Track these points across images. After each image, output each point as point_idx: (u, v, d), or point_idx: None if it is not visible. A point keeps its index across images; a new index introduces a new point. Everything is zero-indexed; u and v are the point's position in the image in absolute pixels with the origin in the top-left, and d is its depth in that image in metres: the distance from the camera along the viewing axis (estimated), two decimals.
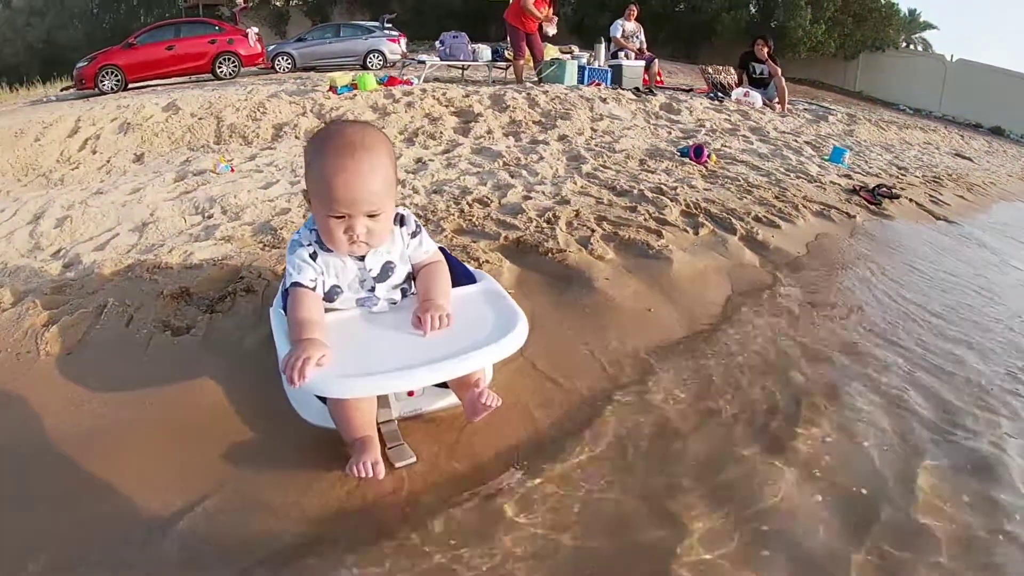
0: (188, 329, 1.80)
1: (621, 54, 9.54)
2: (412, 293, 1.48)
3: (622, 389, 1.64)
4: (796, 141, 6.18)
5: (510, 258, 2.34)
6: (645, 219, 2.94)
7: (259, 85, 7.25)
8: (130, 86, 12.54)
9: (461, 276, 1.59)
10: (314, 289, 1.35)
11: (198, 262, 2.22)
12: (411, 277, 1.48)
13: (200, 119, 5.09)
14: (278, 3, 31.28)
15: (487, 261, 2.25)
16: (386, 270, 1.42)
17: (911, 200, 4.40)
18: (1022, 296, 3.01)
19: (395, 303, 1.46)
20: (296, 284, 1.33)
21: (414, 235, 1.45)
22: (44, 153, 4.55)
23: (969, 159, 8.18)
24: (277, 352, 1.32)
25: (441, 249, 1.54)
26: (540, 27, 8.47)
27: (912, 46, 22.75)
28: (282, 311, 1.41)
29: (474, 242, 2.47)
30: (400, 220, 1.43)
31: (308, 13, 29.09)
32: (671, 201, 3.26)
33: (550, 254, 2.39)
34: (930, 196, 4.76)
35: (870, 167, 5.50)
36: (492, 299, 1.49)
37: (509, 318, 1.38)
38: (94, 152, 4.63)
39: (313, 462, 1.34)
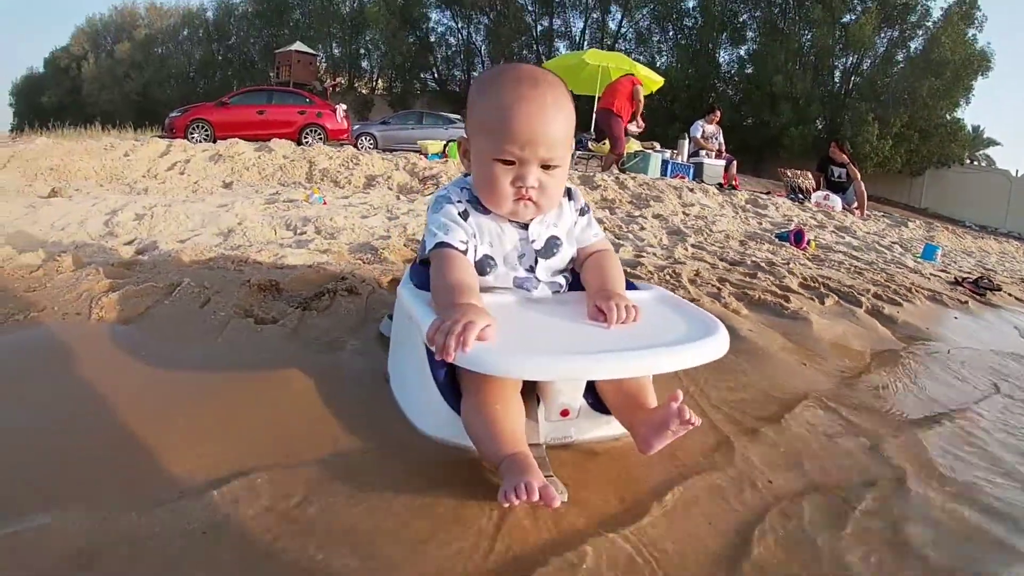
0: (275, 320, 1.56)
1: (702, 153, 9.64)
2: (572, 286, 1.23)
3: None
4: (884, 241, 6.06)
5: None
6: (768, 285, 2.68)
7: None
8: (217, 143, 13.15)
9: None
10: (466, 253, 1.09)
11: (290, 263, 2.03)
12: (573, 264, 1.23)
13: (292, 160, 5.14)
14: (363, 91, 33.33)
15: None
16: (551, 246, 1.18)
17: (1010, 295, 4.13)
18: None
19: (559, 291, 1.20)
20: (444, 244, 1.08)
21: (582, 212, 1.22)
22: (132, 167, 4.59)
23: None
24: (420, 325, 1.00)
25: None
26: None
27: (976, 162, 22.46)
28: (413, 287, 1.16)
29: None
30: (568, 193, 1.21)
31: (391, 103, 30.77)
32: (788, 273, 3.02)
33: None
34: None
35: (960, 267, 5.30)
36: (675, 305, 1.20)
37: (704, 322, 1.09)
38: (182, 173, 4.68)
39: (431, 484, 0.99)
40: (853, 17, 22.49)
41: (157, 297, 1.62)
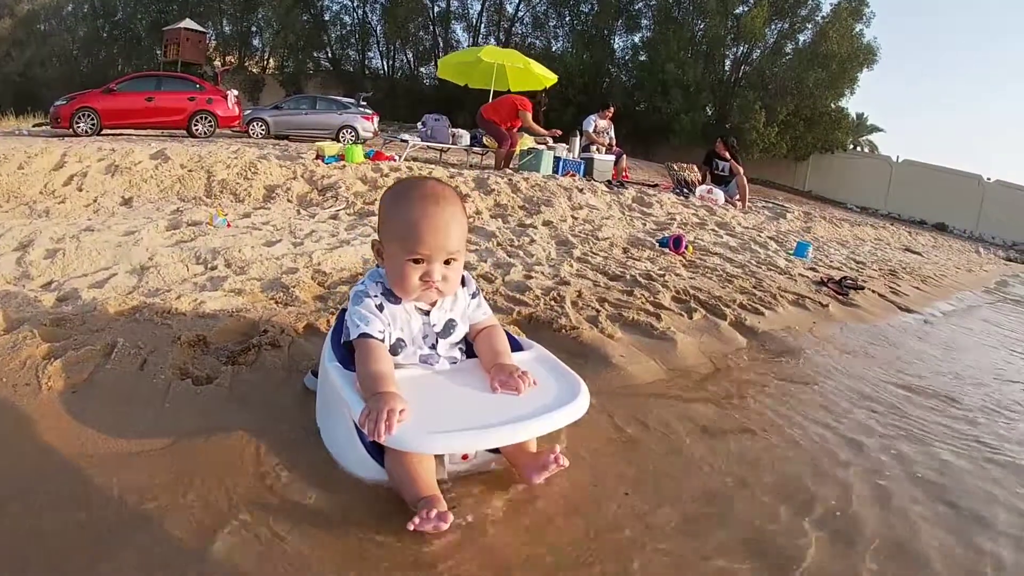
0: (210, 379, 1.75)
1: (592, 148, 10.04)
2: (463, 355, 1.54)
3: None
4: (760, 236, 6.55)
5: (525, 333, 2.38)
6: (642, 303, 3.04)
7: (243, 146, 7.29)
8: (104, 132, 12.51)
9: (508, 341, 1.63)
10: (383, 341, 1.38)
11: (211, 311, 2.18)
12: (465, 338, 1.55)
13: (190, 171, 5.07)
14: (254, 70, 31.93)
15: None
16: (448, 327, 1.48)
17: (874, 291, 4.63)
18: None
19: (454, 362, 1.51)
20: (365, 335, 1.36)
21: (474, 296, 1.54)
22: (28, 182, 4.40)
23: (918, 253, 8.81)
24: (349, 405, 1.29)
25: None
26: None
27: (859, 148, 24.30)
28: (338, 364, 1.42)
29: None
30: (463, 281, 1.51)
31: (283, 83, 29.69)
32: (662, 287, 3.39)
33: (564, 330, 2.45)
34: (890, 287, 5.02)
35: (831, 261, 5.85)
36: (549, 367, 1.54)
37: (572, 383, 1.45)
38: (80, 189, 4.53)
39: (363, 519, 1.29)
40: (745, 8, 23.60)
41: (97, 361, 1.75)
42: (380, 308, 1.40)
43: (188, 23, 24.90)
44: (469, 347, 1.56)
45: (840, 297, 4.24)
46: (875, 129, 25.89)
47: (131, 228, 3.38)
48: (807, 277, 4.64)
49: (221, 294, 2.37)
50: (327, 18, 31.32)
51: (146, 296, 2.31)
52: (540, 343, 2.31)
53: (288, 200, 4.85)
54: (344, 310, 1.50)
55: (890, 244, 9.35)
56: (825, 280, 4.58)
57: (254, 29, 32.30)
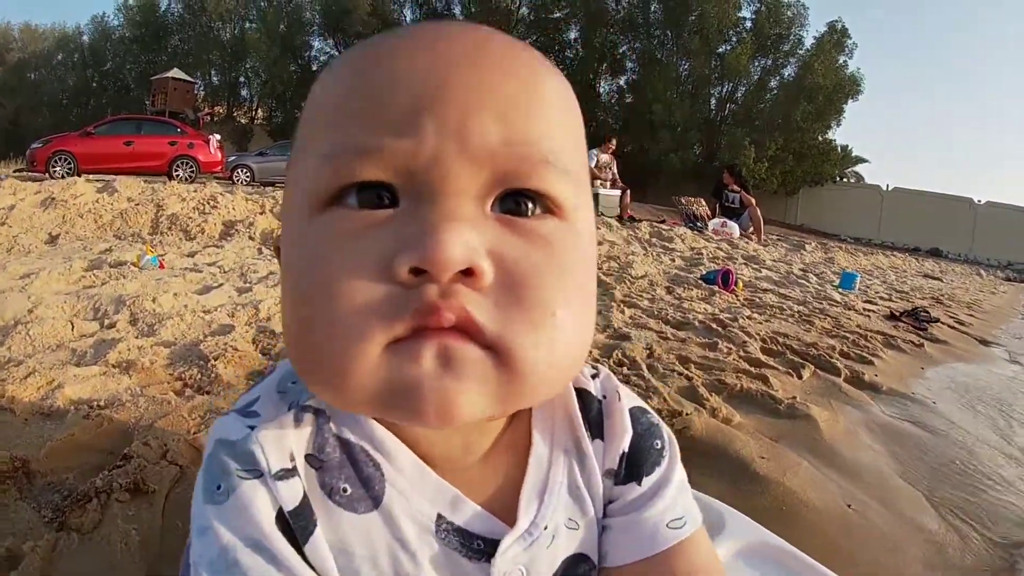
0: (9, 567, 0.84)
1: (596, 183, 9.41)
2: None
3: None
4: (793, 270, 6.01)
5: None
6: (735, 360, 2.17)
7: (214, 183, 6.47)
8: (82, 176, 11.87)
9: None
10: None
11: (62, 405, 1.26)
12: None
13: (137, 204, 4.20)
14: (243, 120, 31.65)
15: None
16: None
17: (944, 324, 4.04)
18: None
19: None
20: None
21: (640, 469, 0.45)
22: None
23: (939, 279, 8.39)
24: None
25: None
26: None
27: (846, 179, 24.01)
28: None
29: None
30: (587, 413, 0.45)
31: (271, 133, 29.37)
32: (744, 334, 2.57)
33: (662, 417, 1.54)
34: (951, 317, 4.48)
35: (876, 292, 5.33)
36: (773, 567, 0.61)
37: None
38: (2, 224, 3.68)
39: None
40: (728, 47, 23.59)
41: None
42: (296, 526, 0.37)
43: (176, 72, 24.57)
44: None
45: (920, 332, 3.62)
46: (860, 160, 25.61)
47: (32, 270, 2.52)
48: (874, 311, 4.03)
49: (98, 371, 1.45)
50: (315, 68, 31.15)
51: None
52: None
53: (249, 237, 3.95)
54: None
55: (908, 272, 8.87)
56: (897, 314, 3.94)
57: (242, 80, 32.04)
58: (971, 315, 4.92)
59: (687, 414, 1.53)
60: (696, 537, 0.43)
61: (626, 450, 0.44)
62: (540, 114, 0.33)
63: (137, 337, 1.74)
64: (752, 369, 2.08)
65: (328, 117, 0.34)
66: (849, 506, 1.26)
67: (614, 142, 10.17)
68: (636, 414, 0.45)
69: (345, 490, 0.38)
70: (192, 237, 3.84)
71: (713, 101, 25.54)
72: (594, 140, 11.68)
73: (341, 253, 0.31)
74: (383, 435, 0.39)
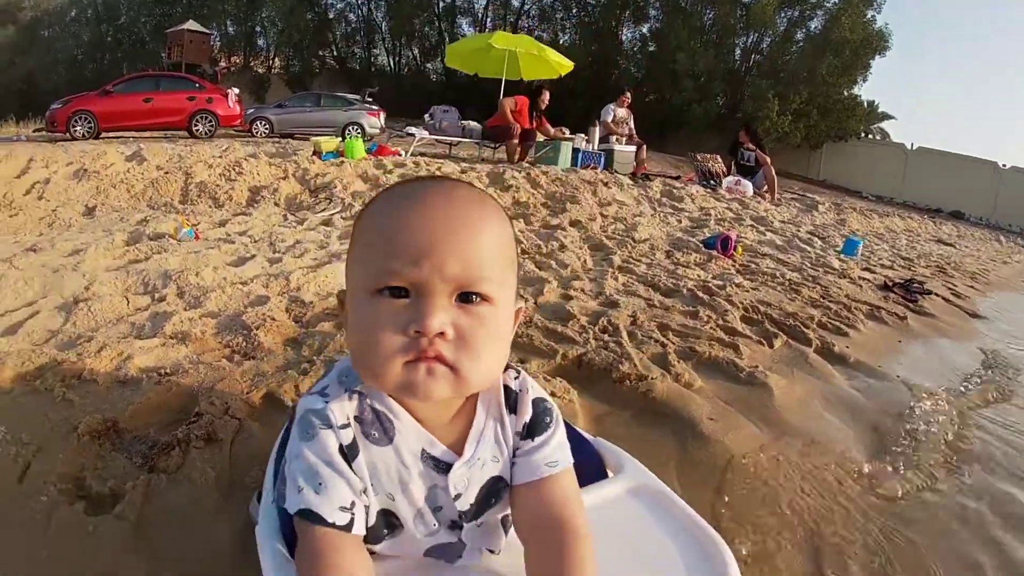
0: (114, 499, 1.14)
1: (612, 139, 9.41)
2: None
3: None
4: (801, 232, 6.10)
5: (577, 386, 1.73)
6: (712, 328, 2.41)
7: (236, 144, 6.69)
8: (103, 135, 12.02)
9: (575, 452, 0.81)
10: (349, 527, 0.67)
11: (135, 374, 1.56)
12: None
13: (166, 173, 4.45)
14: (260, 70, 31.52)
15: (553, 393, 1.64)
16: (488, 497, 0.75)
17: (938, 296, 4.15)
18: None
19: (493, 552, 0.78)
20: (311, 517, 0.66)
21: (532, 431, 0.75)
22: None
23: (952, 245, 8.37)
24: None
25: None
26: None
27: (871, 136, 23.58)
28: (281, 546, 0.76)
29: (523, 361, 1.87)
30: (508, 398, 0.76)
31: (289, 83, 29.27)
32: (727, 303, 2.79)
33: (628, 380, 1.79)
34: (949, 288, 4.56)
35: (880, 259, 5.41)
36: (654, 508, 0.87)
37: (706, 550, 0.79)
38: (40, 198, 3.96)
39: None
40: None
41: None
42: (349, 453, 0.69)
43: (191, 24, 24.40)
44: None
45: (910, 304, 3.73)
46: (886, 116, 24.98)
47: (80, 245, 2.80)
48: (868, 280, 4.15)
49: (158, 342, 1.74)
50: (331, 16, 30.76)
51: (60, 348, 1.70)
52: (599, 401, 1.72)
53: (275, 203, 4.21)
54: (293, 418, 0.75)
55: (920, 236, 8.82)
56: (890, 284, 4.08)
57: (258, 29, 31.71)
58: (972, 286, 4.99)
59: (652, 378, 1.79)
60: (563, 474, 0.74)
61: (527, 421, 0.75)
62: (481, 255, 0.64)
63: (186, 309, 2.03)
64: (726, 338, 2.32)
65: (372, 242, 0.67)
66: (777, 457, 1.52)
67: (629, 95, 10.03)
68: (537, 402, 0.77)
69: (374, 435, 0.70)
70: (221, 204, 4.10)
71: (738, 52, 24.92)
72: (614, 90, 11.63)
73: (381, 321, 0.64)
74: (396, 406, 0.71)
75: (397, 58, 31.92)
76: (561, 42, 27.19)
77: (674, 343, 2.16)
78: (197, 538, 1.09)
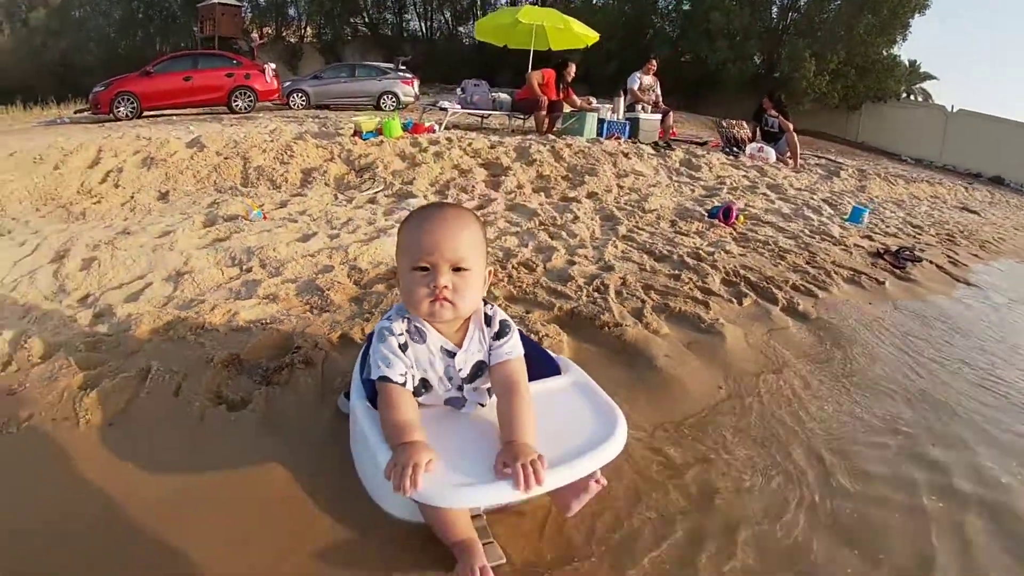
0: (244, 403, 1.72)
1: (638, 107, 9.68)
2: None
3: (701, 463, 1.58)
4: (814, 199, 6.28)
5: (567, 331, 2.28)
6: (690, 288, 2.90)
7: (281, 124, 7.26)
8: (145, 114, 12.63)
9: (542, 362, 1.53)
10: (404, 384, 1.29)
11: (244, 323, 2.15)
12: None
13: (226, 158, 5.06)
14: (292, 40, 31.93)
15: (547, 335, 2.19)
16: (476, 372, 1.37)
17: (931, 262, 4.37)
18: None
19: (483, 405, 1.41)
20: (386, 379, 1.27)
21: (498, 336, 1.36)
22: (64, 183, 4.45)
23: (976, 212, 8.33)
24: (374, 453, 1.23)
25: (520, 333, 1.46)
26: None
27: (913, 97, 23.04)
28: (367, 403, 1.36)
29: (528, 312, 2.42)
30: (486, 319, 1.37)
31: (321, 51, 29.62)
32: (711, 268, 3.24)
33: (607, 328, 2.33)
34: (948, 257, 4.73)
35: (887, 226, 5.55)
36: (584, 393, 1.45)
37: (608, 416, 1.36)
38: (116, 186, 4.55)
39: (401, 561, 1.27)
40: None
41: (132, 390, 1.74)
42: (404, 348, 1.31)
43: None
44: None
45: (897, 271, 4.00)
46: (928, 77, 24.25)
47: (167, 228, 3.36)
48: (863, 248, 4.40)
49: (255, 302, 2.34)
50: None
51: (180, 309, 2.30)
52: (583, 342, 2.25)
53: (325, 184, 4.80)
54: (373, 334, 1.40)
55: (946, 203, 8.77)
56: (881, 251, 4.32)
57: None
58: (977, 255, 5.12)
59: (626, 326, 2.33)
60: (515, 360, 1.35)
61: (496, 331, 1.36)
62: (463, 246, 1.24)
63: (270, 277, 2.63)
64: (700, 296, 2.81)
65: (408, 243, 1.30)
66: (719, 388, 2.05)
67: (655, 63, 10.21)
68: (502, 322, 1.37)
69: (416, 338, 1.32)
70: (278, 186, 4.70)
71: (774, 10, 24.34)
72: (647, 50, 11.67)
73: (417, 283, 1.27)
74: (426, 324, 1.33)
75: (429, 23, 31.93)
76: (595, 2, 26.95)
77: (653, 300, 2.68)
78: (304, 422, 1.69)
